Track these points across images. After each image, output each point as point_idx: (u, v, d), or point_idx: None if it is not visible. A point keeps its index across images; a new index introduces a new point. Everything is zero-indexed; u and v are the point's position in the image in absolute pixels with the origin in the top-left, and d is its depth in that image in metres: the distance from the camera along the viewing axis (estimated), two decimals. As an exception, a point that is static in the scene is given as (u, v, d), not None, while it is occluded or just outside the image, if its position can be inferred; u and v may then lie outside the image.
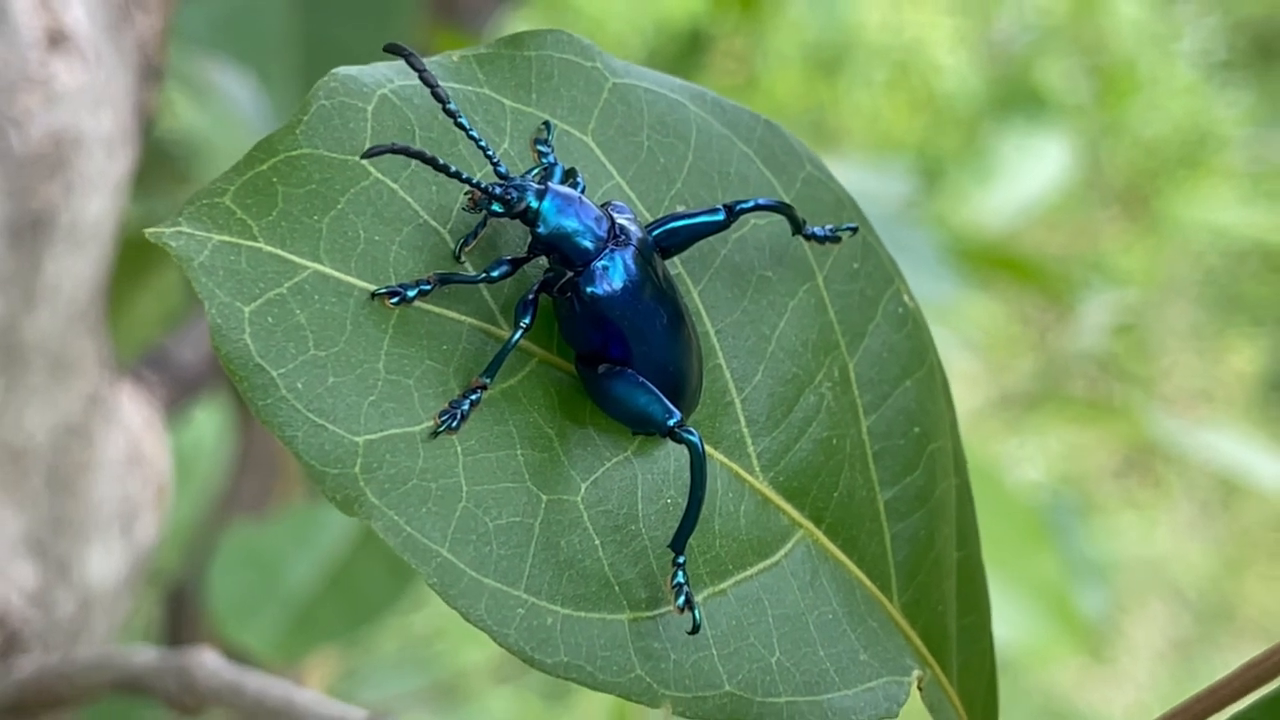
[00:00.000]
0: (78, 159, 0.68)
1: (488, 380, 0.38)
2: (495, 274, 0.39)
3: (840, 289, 0.43)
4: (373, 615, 1.04)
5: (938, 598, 0.44)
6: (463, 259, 0.39)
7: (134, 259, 1.03)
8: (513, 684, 1.85)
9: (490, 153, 0.39)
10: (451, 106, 0.38)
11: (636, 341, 0.39)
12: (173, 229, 0.36)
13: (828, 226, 0.43)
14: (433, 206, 0.39)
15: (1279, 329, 2.67)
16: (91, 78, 0.67)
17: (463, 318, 0.39)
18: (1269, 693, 0.42)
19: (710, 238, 0.41)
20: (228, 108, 1.06)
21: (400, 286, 0.38)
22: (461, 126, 0.39)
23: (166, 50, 0.75)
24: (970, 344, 2.06)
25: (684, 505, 0.39)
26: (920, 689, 0.43)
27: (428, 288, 0.38)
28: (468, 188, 0.39)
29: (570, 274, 0.39)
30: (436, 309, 0.38)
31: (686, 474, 0.39)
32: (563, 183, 0.40)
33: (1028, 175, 1.79)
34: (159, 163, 1.21)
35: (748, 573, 0.41)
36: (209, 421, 1.49)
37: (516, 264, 0.39)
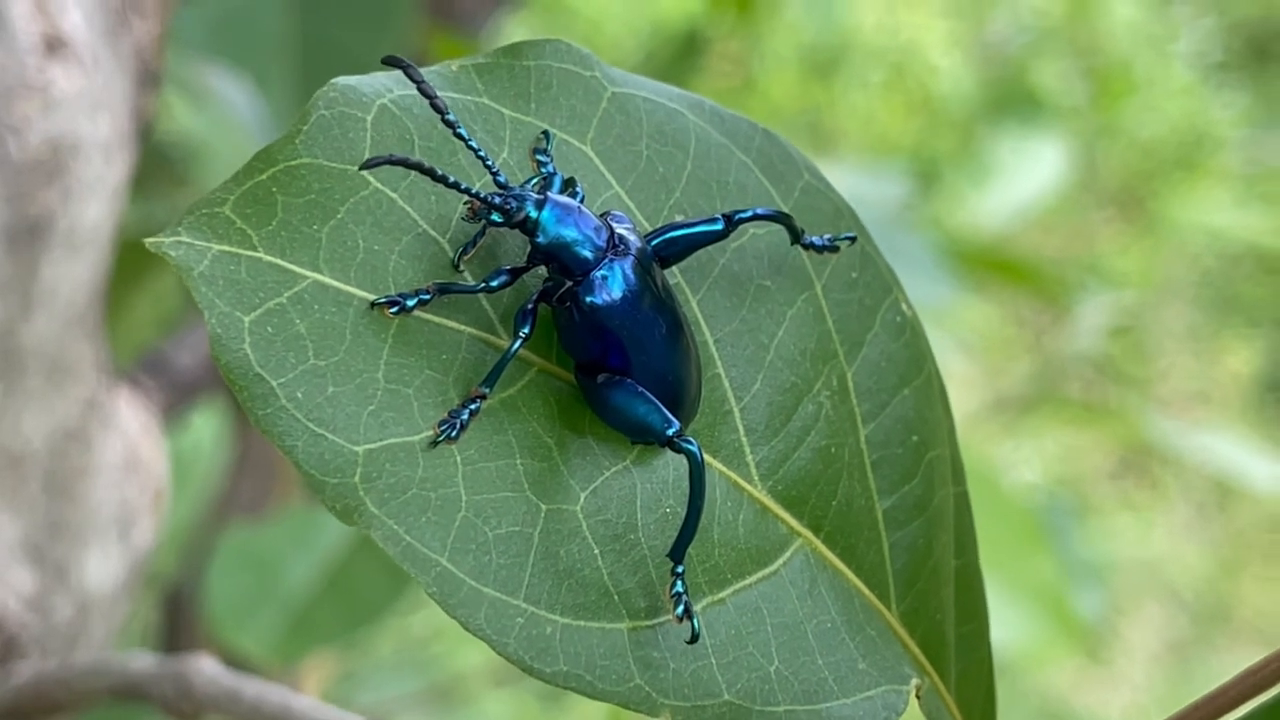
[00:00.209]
0: (75, 165, 0.68)
1: (487, 390, 0.38)
2: (494, 283, 0.39)
3: (839, 298, 0.43)
4: (370, 618, 1.05)
5: (936, 606, 0.44)
6: (462, 268, 0.39)
7: (132, 263, 1.03)
8: (510, 687, 1.85)
9: (489, 162, 0.39)
10: (450, 117, 0.39)
11: (635, 351, 0.39)
12: (172, 238, 0.36)
13: (826, 236, 0.43)
14: (432, 216, 0.39)
15: (1275, 330, 2.67)
16: (89, 83, 0.67)
17: (462, 327, 0.39)
18: (1268, 700, 0.42)
19: (709, 247, 0.41)
20: (225, 112, 1.06)
21: (400, 296, 0.38)
22: (460, 137, 0.39)
23: (164, 55, 0.75)
24: (966, 347, 2.07)
25: (683, 514, 0.39)
26: (919, 697, 0.43)
27: (427, 297, 0.38)
28: (467, 197, 0.39)
29: (569, 283, 0.39)
30: (436, 318, 0.38)
31: (685, 483, 0.39)
32: (562, 192, 0.40)
33: (1023, 177, 1.79)
34: (157, 166, 1.21)
35: (746, 581, 0.41)
36: (207, 425, 1.49)
37: (516, 273, 0.39)
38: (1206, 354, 2.62)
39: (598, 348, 0.39)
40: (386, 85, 0.39)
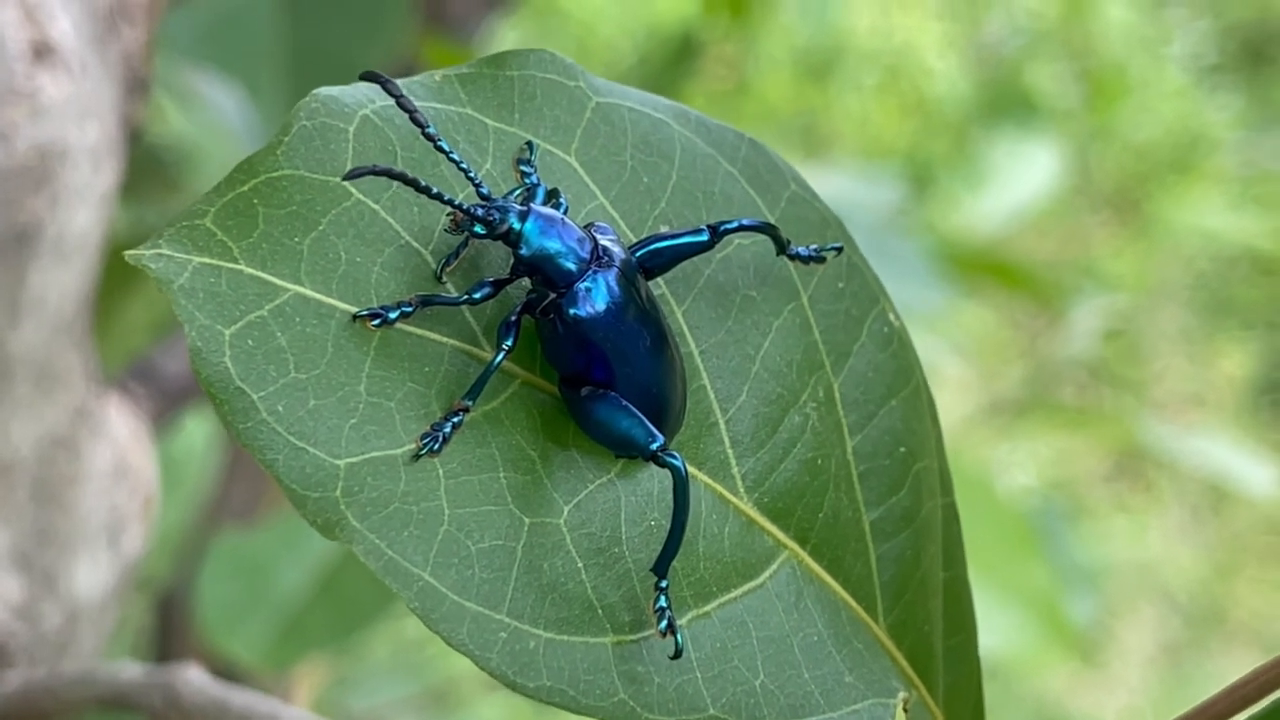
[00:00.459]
0: (63, 171, 0.67)
1: (470, 402, 0.38)
2: (478, 295, 0.38)
3: (825, 309, 0.43)
4: (363, 623, 1.04)
5: (924, 618, 0.44)
6: (445, 280, 0.39)
7: (123, 269, 1.03)
8: (505, 691, 1.84)
9: (472, 174, 0.39)
10: (431, 130, 0.38)
11: (620, 363, 0.39)
12: (153, 251, 0.36)
13: (812, 246, 0.43)
14: (415, 228, 0.38)
15: (1269, 333, 2.67)
16: (77, 90, 0.67)
17: (445, 339, 0.38)
18: (1262, 708, 0.42)
19: (694, 258, 0.41)
20: (215, 117, 1.06)
21: (382, 308, 0.38)
22: (442, 150, 0.38)
23: (152, 62, 0.74)
24: (960, 350, 2.07)
25: (667, 528, 0.39)
26: (906, 711, 0.43)
27: (410, 309, 0.38)
28: (450, 209, 0.38)
29: (553, 295, 0.39)
30: (418, 331, 0.38)
31: (670, 496, 0.39)
32: (545, 203, 0.40)
33: (1018, 180, 1.79)
34: (150, 170, 1.21)
35: (732, 595, 0.41)
36: (199, 429, 1.49)
37: (499, 285, 0.39)
38: (1201, 357, 2.62)
39: (581, 360, 0.39)
40: (369, 96, 0.38)
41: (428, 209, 0.39)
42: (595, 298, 0.39)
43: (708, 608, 0.40)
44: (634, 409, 0.39)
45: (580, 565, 0.39)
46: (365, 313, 0.37)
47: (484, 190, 0.39)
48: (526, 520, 0.38)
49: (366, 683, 1.66)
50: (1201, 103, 2.80)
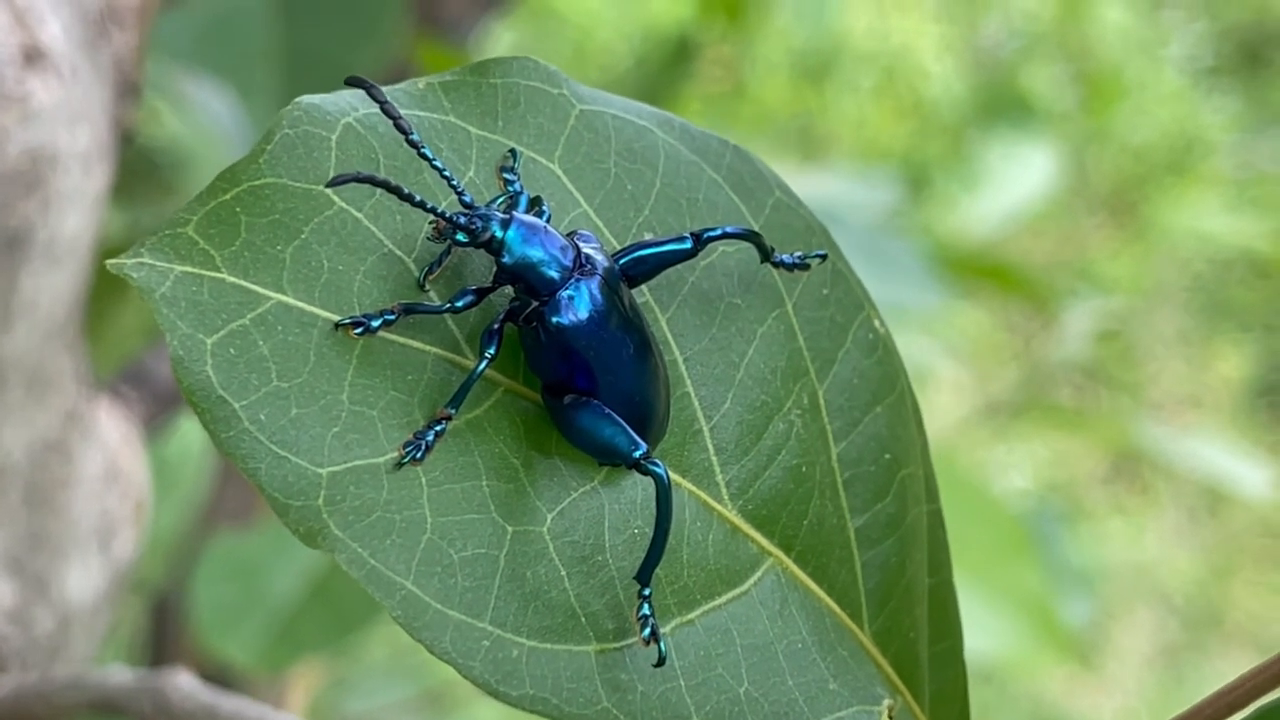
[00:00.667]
0: (54, 176, 0.67)
1: (453, 411, 0.38)
2: (460, 303, 0.38)
3: (810, 315, 0.43)
4: (357, 625, 1.04)
5: (909, 625, 0.44)
6: (427, 288, 0.39)
7: (115, 273, 1.03)
8: (500, 693, 1.84)
9: (455, 182, 0.39)
10: (415, 137, 0.38)
11: (603, 371, 0.39)
12: (135, 260, 0.36)
13: (797, 253, 0.43)
14: (397, 235, 0.38)
15: (1266, 335, 2.67)
16: (68, 94, 0.67)
17: (427, 348, 0.38)
18: (1258, 708, 0.42)
19: (678, 265, 0.41)
20: (207, 121, 1.06)
21: (364, 316, 0.37)
22: (425, 157, 0.38)
23: (143, 66, 0.74)
24: (955, 352, 2.06)
25: (650, 536, 0.39)
26: (891, 718, 0.43)
27: (392, 318, 0.38)
28: (432, 216, 0.38)
29: (536, 303, 0.39)
30: (401, 339, 0.38)
31: (653, 504, 0.39)
32: (528, 211, 0.40)
33: (1014, 182, 1.79)
34: (144, 173, 1.21)
35: (716, 602, 0.41)
36: (195, 431, 1.49)
37: (482, 293, 0.39)
38: (1197, 359, 2.62)
39: (564, 368, 0.39)
40: (351, 104, 0.38)
41: (410, 217, 0.39)
42: (578, 306, 0.39)
43: (691, 615, 0.40)
44: (617, 417, 0.39)
45: (563, 573, 0.39)
46: (348, 321, 0.37)
47: (467, 198, 0.39)
48: (509, 528, 0.38)
49: (362, 685, 1.66)
50: (1198, 105, 2.80)
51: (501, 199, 0.40)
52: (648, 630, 0.39)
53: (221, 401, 0.36)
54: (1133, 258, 2.66)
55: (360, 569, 0.37)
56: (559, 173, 0.41)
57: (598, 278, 0.39)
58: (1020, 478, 2.37)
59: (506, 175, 0.40)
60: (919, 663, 0.44)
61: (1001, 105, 2.11)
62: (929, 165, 2.29)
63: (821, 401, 0.43)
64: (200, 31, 1.08)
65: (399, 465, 0.37)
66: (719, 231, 0.41)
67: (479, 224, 0.38)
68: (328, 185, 0.37)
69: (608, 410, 0.39)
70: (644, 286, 0.41)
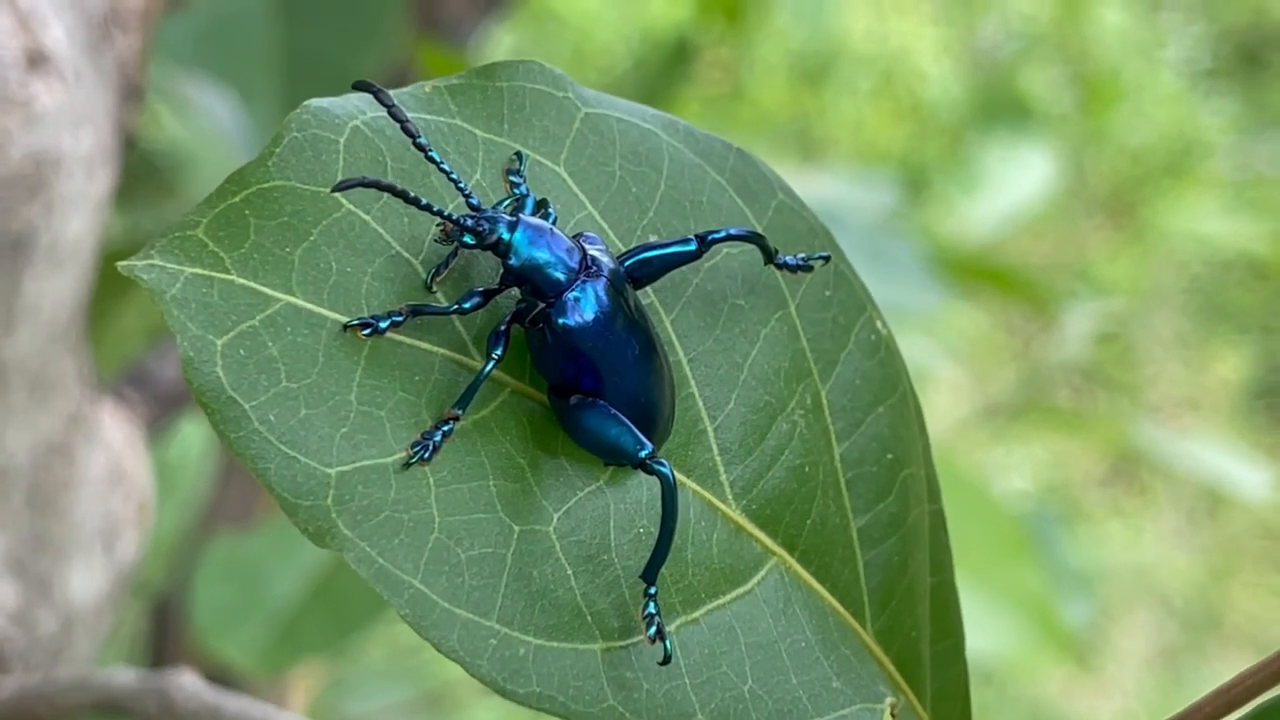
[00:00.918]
0: (58, 179, 0.68)
1: (460, 411, 0.38)
2: (467, 305, 0.39)
3: (813, 317, 0.43)
4: (357, 626, 1.05)
5: (911, 624, 0.44)
6: (435, 290, 0.39)
7: (117, 275, 1.03)
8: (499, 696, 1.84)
9: (462, 184, 0.39)
10: (422, 140, 0.39)
11: (608, 372, 0.39)
12: (145, 261, 0.36)
13: (800, 255, 0.43)
14: (405, 238, 0.39)
15: (1264, 337, 2.67)
16: (71, 98, 0.68)
17: (435, 349, 0.39)
18: (1254, 708, 0.42)
19: (682, 267, 0.41)
20: (209, 124, 1.06)
21: (372, 318, 0.38)
22: (432, 160, 0.39)
23: (147, 69, 0.75)
24: (954, 354, 2.07)
25: (656, 535, 0.39)
26: (894, 716, 0.43)
27: (400, 319, 0.38)
28: (439, 219, 0.39)
29: (542, 305, 0.39)
30: (409, 340, 0.38)
31: (658, 504, 0.40)
32: (534, 214, 0.40)
33: (1012, 184, 1.79)
34: (146, 176, 1.21)
35: (720, 601, 0.41)
36: (195, 435, 1.49)
37: (488, 295, 0.39)
38: (1196, 361, 2.62)
39: (570, 369, 0.39)
40: (359, 107, 0.39)
41: (418, 219, 0.39)
42: (584, 307, 0.39)
43: (696, 614, 0.41)
44: (622, 417, 0.39)
45: (570, 572, 0.39)
46: (356, 322, 0.38)
47: (473, 200, 0.39)
48: (516, 528, 0.39)
49: (362, 687, 1.66)
50: (1196, 107, 2.81)
51: (508, 201, 0.40)
52: (653, 629, 0.39)
53: (231, 402, 0.37)
54: (1131, 260, 2.66)
55: (369, 568, 0.37)
56: (564, 175, 0.41)
57: (603, 279, 0.40)
58: (1019, 479, 2.37)
59: (513, 178, 0.40)
60: (921, 661, 0.44)
61: (1000, 107, 2.12)
62: (927, 167, 2.29)
63: (824, 402, 0.43)
64: (202, 35, 1.09)
65: (407, 465, 0.38)
66: (723, 233, 0.42)
67: (486, 226, 0.39)
68: (334, 190, 0.37)
69: (613, 411, 0.39)
70: (649, 288, 0.41)
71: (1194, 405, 2.58)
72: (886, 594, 0.44)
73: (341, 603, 1.04)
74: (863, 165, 2.32)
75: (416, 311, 0.38)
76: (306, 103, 0.38)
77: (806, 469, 0.42)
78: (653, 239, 0.41)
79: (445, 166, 0.39)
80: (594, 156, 0.41)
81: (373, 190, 0.38)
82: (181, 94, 1.07)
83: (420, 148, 0.39)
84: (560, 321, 0.39)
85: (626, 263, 0.40)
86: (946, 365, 2.00)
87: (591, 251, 0.40)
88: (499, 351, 0.38)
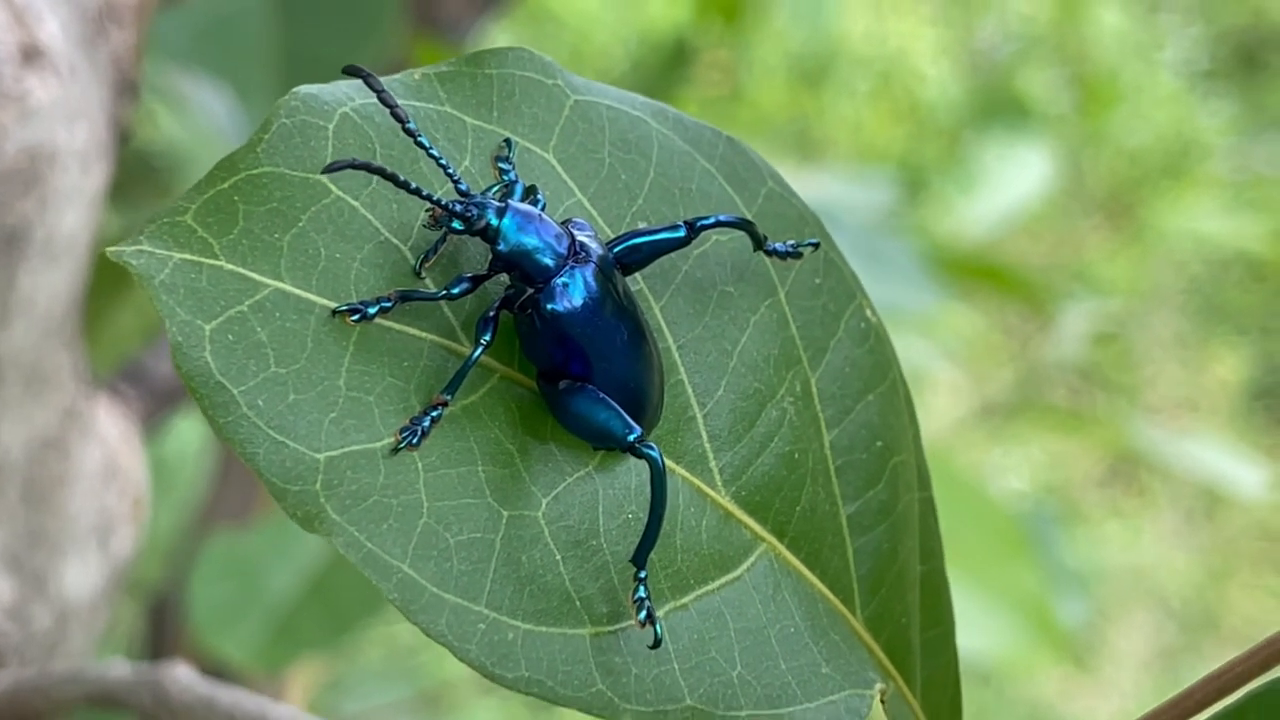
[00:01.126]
0: (52, 174, 0.68)
1: (449, 397, 0.38)
2: (456, 291, 0.39)
3: (802, 304, 0.43)
4: (354, 624, 1.05)
5: (901, 611, 0.44)
6: (424, 275, 0.39)
7: (112, 270, 1.03)
8: (498, 695, 1.85)
9: (451, 170, 0.39)
10: (411, 126, 0.39)
11: (597, 358, 0.39)
12: (134, 247, 0.37)
13: (789, 242, 0.43)
14: (393, 224, 0.39)
15: (1262, 338, 2.67)
16: (66, 92, 0.68)
17: (424, 334, 0.39)
18: (1237, 699, 0.42)
19: (672, 254, 0.41)
20: (204, 121, 1.07)
21: (361, 304, 0.38)
22: (421, 145, 0.39)
23: (141, 65, 0.75)
24: (952, 354, 2.07)
25: (645, 520, 0.40)
26: (883, 702, 0.43)
27: (389, 305, 0.38)
28: (428, 204, 0.39)
29: (530, 291, 0.39)
30: (397, 326, 0.38)
31: (647, 489, 0.40)
32: (523, 200, 0.40)
33: (1010, 184, 1.80)
34: (141, 173, 1.21)
35: (710, 587, 0.41)
36: (192, 430, 1.49)
37: (477, 281, 0.39)
38: (1194, 361, 2.62)
39: (559, 355, 0.39)
40: (348, 94, 0.39)
41: (406, 205, 0.39)
42: (572, 293, 0.39)
43: (685, 600, 0.41)
44: (611, 401, 0.40)
45: (558, 557, 0.39)
46: (345, 308, 0.38)
47: (462, 186, 0.39)
48: (505, 513, 0.39)
49: (360, 686, 1.66)
50: (1194, 108, 2.81)
51: (497, 188, 0.40)
52: (643, 613, 0.39)
53: (220, 387, 0.37)
54: (1129, 260, 2.66)
55: (357, 553, 0.37)
56: (554, 162, 0.41)
57: (592, 265, 0.40)
58: (1017, 479, 2.37)
59: (502, 164, 0.40)
60: (911, 648, 0.44)
61: (998, 108, 2.12)
62: (925, 168, 2.29)
63: (814, 389, 0.43)
64: (198, 31, 1.09)
65: (395, 450, 0.38)
66: (712, 220, 0.42)
67: (474, 212, 0.39)
68: (324, 171, 0.38)
69: (603, 395, 0.40)
70: (638, 274, 0.42)
71: (1192, 406, 2.58)
72: (876, 581, 0.44)
73: (339, 600, 1.04)
74: (861, 166, 2.32)
75: (405, 297, 0.38)
76: (295, 89, 0.38)
77: (796, 456, 0.43)
78: (642, 226, 0.42)
79: (434, 152, 0.39)
80: (583, 143, 0.41)
81: (362, 176, 0.38)
82: (178, 91, 1.07)
83: (410, 133, 0.39)
84: (549, 307, 0.39)
85: (615, 249, 0.41)
86: (944, 366, 2.00)
87: (580, 238, 0.40)
88: (487, 337, 0.39)
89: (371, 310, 0.38)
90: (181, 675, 0.61)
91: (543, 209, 0.40)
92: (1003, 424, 2.15)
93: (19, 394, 0.72)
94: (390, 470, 0.38)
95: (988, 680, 2.08)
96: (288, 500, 0.37)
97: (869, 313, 0.45)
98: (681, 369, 0.42)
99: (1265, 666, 0.43)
